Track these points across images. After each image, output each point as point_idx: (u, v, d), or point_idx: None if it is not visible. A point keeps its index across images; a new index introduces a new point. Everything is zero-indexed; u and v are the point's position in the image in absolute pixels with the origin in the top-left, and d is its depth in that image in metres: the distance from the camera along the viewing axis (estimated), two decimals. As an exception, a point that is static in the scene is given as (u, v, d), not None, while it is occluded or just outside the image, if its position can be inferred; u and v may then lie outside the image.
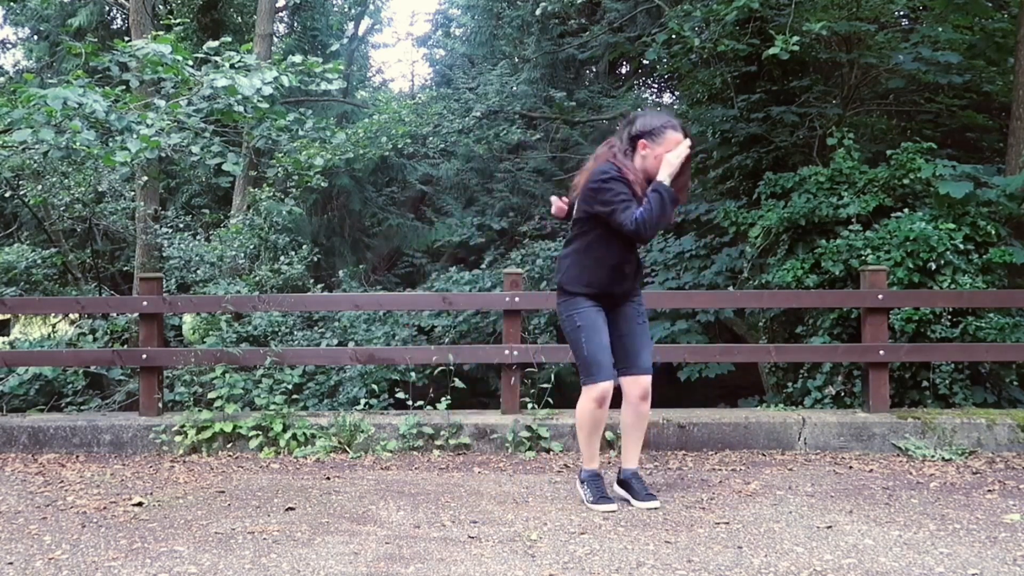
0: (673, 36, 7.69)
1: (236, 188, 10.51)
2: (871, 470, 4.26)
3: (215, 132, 5.48)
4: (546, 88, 11.84)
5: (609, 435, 4.70)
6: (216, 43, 5.03)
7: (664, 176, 3.37)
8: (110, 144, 4.73)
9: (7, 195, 10.02)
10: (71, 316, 9.73)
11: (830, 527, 3.25)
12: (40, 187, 9.36)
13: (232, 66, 4.89)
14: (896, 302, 5.18)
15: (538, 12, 10.19)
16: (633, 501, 3.59)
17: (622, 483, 3.69)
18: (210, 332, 7.46)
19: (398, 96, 16.24)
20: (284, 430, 4.82)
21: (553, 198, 3.91)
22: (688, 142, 3.46)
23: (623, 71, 13.85)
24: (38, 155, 6.22)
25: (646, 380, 3.57)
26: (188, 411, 4.99)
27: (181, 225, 9.66)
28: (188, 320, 8.75)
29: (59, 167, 9.02)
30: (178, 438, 4.85)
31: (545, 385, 5.06)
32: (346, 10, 17.84)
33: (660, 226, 3.39)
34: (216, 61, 4.92)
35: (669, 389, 8.55)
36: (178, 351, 5.37)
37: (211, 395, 5.11)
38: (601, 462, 3.75)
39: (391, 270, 14.20)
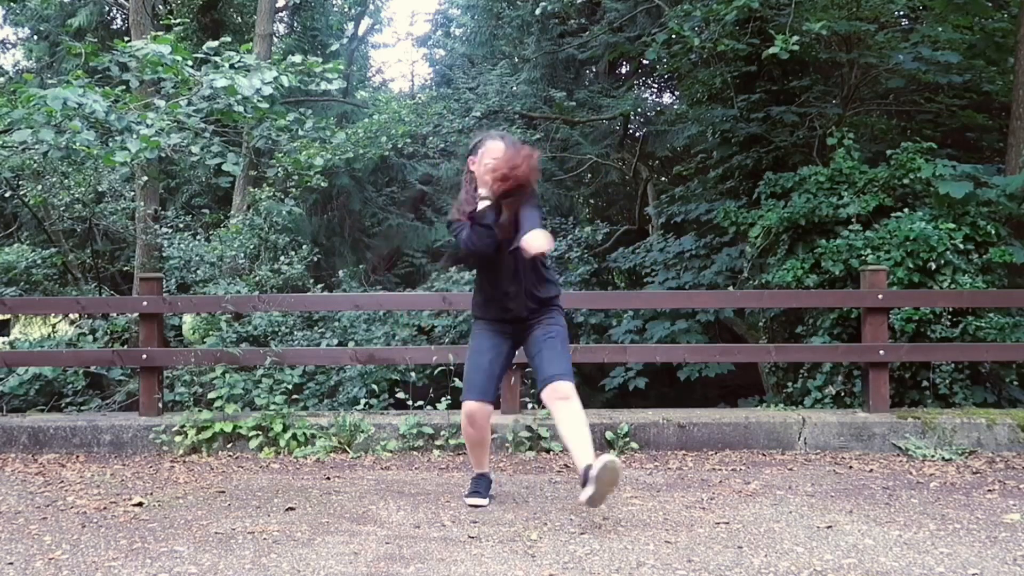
0: (673, 36, 7.70)
1: (236, 188, 10.50)
2: (871, 470, 4.26)
3: (215, 132, 5.48)
4: (546, 88, 11.82)
5: (610, 435, 4.72)
6: (216, 43, 5.03)
7: (484, 192, 3.40)
8: (110, 144, 4.72)
9: (7, 195, 10.02)
10: (71, 316, 9.72)
11: (830, 527, 3.25)
12: (40, 187, 9.36)
13: (232, 66, 4.89)
14: (896, 302, 5.18)
15: (538, 12, 10.18)
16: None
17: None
18: (210, 332, 7.46)
19: (398, 96, 16.25)
20: (284, 430, 4.82)
21: None
22: (498, 147, 3.38)
23: (623, 71, 13.82)
24: (38, 155, 6.22)
25: (556, 383, 3.39)
26: (188, 411, 4.99)
27: (181, 225, 9.65)
28: (188, 320, 8.76)
29: (59, 167, 9.02)
30: (178, 438, 4.84)
31: (545, 385, 5.05)
32: (346, 10, 17.86)
33: (482, 246, 3.39)
34: (216, 61, 4.92)
35: (669, 389, 8.57)
36: (178, 351, 5.36)
37: (211, 395, 5.11)
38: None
39: (391, 270, 14.20)
